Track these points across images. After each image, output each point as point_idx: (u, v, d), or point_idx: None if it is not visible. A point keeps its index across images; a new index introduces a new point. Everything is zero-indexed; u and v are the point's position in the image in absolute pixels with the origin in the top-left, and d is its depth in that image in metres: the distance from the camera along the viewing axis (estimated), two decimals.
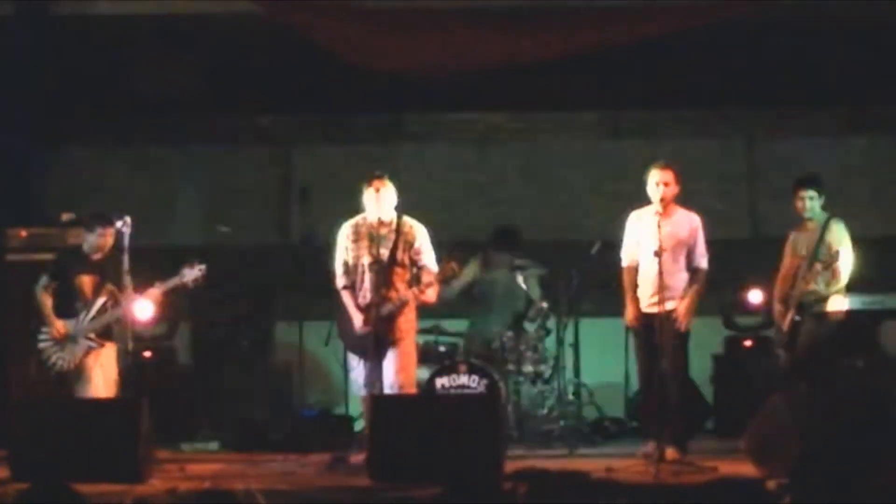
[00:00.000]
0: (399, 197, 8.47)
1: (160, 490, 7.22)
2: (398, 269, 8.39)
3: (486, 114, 11.40)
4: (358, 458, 8.09)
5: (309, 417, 9.89)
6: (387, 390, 8.26)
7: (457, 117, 11.45)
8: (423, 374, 9.26)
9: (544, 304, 9.69)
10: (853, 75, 10.61)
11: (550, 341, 9.77)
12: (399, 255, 8.38)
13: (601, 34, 9.71)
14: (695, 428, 9.23)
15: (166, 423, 8.60)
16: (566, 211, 11.22)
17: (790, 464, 7.10)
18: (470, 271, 9.95)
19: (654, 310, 8.28)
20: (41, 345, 8.49)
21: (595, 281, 9.60)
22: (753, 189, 11.42)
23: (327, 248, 8.65)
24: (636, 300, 8.60)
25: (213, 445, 9.49)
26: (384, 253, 8.37)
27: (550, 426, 9.48)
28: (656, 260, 8.16)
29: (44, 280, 8.52)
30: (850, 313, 8.64)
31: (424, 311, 8.69)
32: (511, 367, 9.53)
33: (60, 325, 8.45)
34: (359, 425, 9.41)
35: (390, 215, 8.42)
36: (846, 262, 8.58)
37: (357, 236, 8.44)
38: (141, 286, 8.34)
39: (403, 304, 8.35)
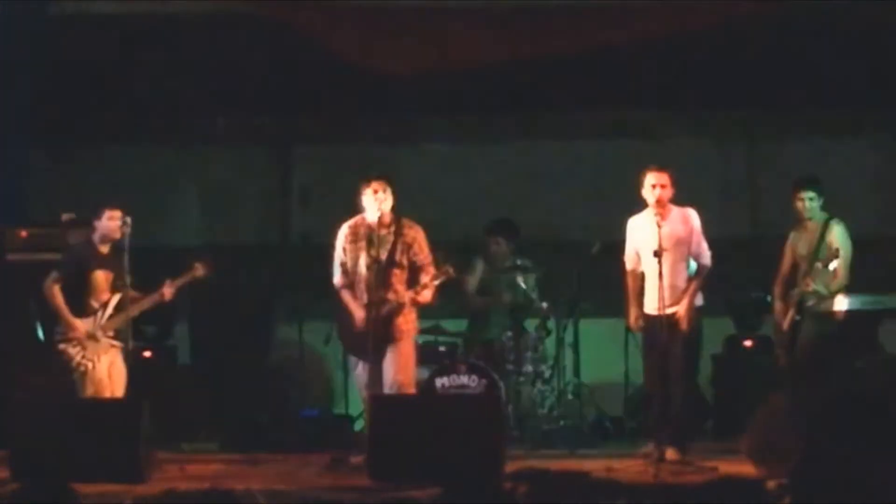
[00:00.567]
0: (399, 197, 8.46)
1: (160, 490, 7.21)
2: (396, 271, 8.38)
3: (486, 114, 11.39)
4: (358, 458, 8.10)
5: (309, 417, 9.88)
6: (387, 390, 8.26)
7: (457, 118, 11.44)
8: (423, 374, 9.27)
9: (544, 304, 9.69)
10: (853, 76, 10.61)
11: (550, 341, 9.77)
12: (398, 256, 8.38)
13: (601, 34, 9.72)
14: (695, 428, 9.23)
15: (166, 423, 8.59)
16: (566, 211, 11.21)
17: (790, 464, 7.10)
18: (477, 270, 9.99)
19: (666, 310, 8.24)
20: (61, 345, 8.39)
21: (595, 281, 9.60)
22: (753, 189, 11.42)
23: (327, 249, 8.65)
24: (638, 304, 8.58)
25: (213, 445, 9.49)
26: (383, 254, 8.36)
27: (550, 426, 9.48)
28: (658, 261, 8.14)
29: (53, 275, 8.41)
30: (850, 313, 8.63)
31: (424, 311, 8.69)
32: (511, 367, 9.53)
33: (80, 325, 8.36)
34: (359, 425, 9.42)
35: (389, 216, 8.42)
36: (846, 262, 8.58)
37: (355, 237, 8.44)
38: (152, 285, 8.35)
39: (402, 305, 8.34)
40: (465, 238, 10.23)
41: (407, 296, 8.32)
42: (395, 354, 8.35)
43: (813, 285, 8.61)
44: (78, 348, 8.37)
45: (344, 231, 8.50)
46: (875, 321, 9.60)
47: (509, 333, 9.61)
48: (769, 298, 9.12)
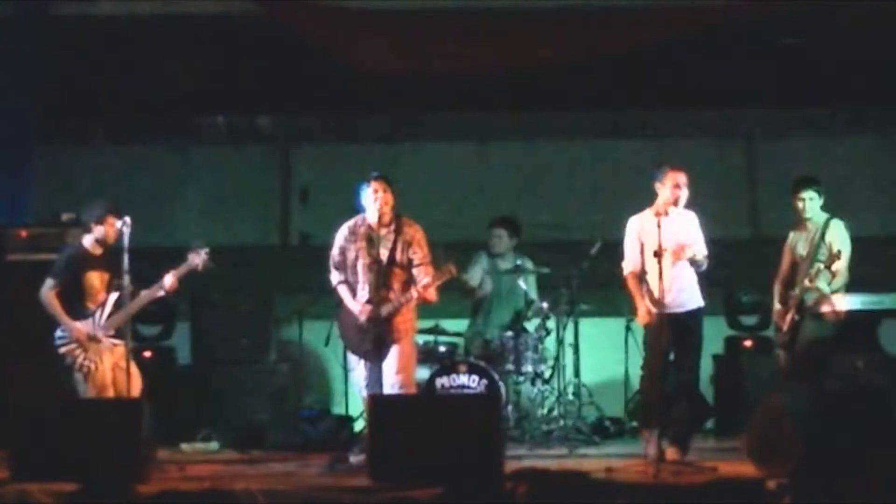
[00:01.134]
0: (399, 197, 8.46)
1: (160, 490, 7.21)
2: (397, 270, 8.38)
3: (486, 114, 11.40)
4: (358, 458, 8.10)
5: (309, 417, 9.88)
6: (387, 390, 8.26)
7: (457, 117, 11.44)
8: (423, 374, 9.27)
9: (544, 304, 9.70)
10: (853, 75, 10.61)
11: (550, 341, 9.77)
12: (398, 255, 8.38)
13: (603, 38, 9.72)
14: (695, 428, 9.22)
15: (166, 423, 8.60)
16: (566, 211, 11.22)
17: (790, 464, 7.11)
18: (479, 267, 9.99)
19: (667, 311, 8.24)
20: (62, 349, 8.38)
21: (595, 281, 9.60)
22: (753, 189, 11.43)
23: (327, 249, 8.65)
24: (644, 299, 8.53)
25: (213, 445, 9.49)
26: (383, 253, 8.36)
27: (550, 426, 9.48)
28: (661, 260, 8.13)
29: (49, 283, 8.40)
30: (850, 313, 8.63)
31: (424, 311, 8.69)
32: (511, 367, 9.54)
33: (80, 327, 8.36)
34: (359, 425, 9.42)
35: (389, 216, 8.42)
36: (846, 262, 8.57)
37: (355, 237, 8.44)
38: (151, 285, 8.35)
39: (402, 305, 8.34)
40: (465, 238, 10.24)
41: (413, 292, 8.29)
42: (395, 354, 8.34)
43: (813, 285, 8.60)
44: (80, 350, 8.37)
45: (343, 231, 8.50)
46: (875, 321, 9.62)
47: (509, 333, 9.61)
48: (769, 298, 9.12)
